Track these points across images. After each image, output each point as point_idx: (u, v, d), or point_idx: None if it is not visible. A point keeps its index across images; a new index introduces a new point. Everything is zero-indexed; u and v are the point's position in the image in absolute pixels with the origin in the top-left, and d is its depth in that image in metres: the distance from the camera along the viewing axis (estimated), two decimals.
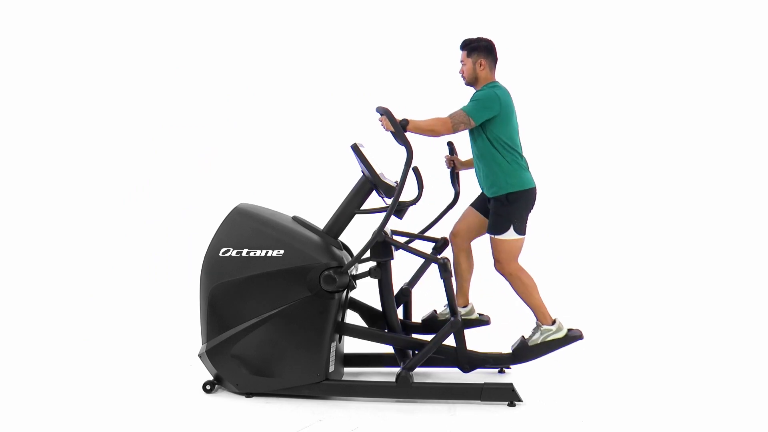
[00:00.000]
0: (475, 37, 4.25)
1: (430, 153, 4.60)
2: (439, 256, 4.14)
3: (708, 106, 8.18)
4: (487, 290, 5.04)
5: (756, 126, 8.12)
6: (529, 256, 4.31)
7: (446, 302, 4.17)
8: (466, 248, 4.42)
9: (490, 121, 4.06)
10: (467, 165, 4.47)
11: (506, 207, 4.10)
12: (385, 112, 3.90)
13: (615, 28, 8.19)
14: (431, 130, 3.99)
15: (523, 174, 4.12)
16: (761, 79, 8.10)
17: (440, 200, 4.54)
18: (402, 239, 4.33)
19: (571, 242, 7.73)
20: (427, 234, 4.52)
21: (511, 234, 4.11)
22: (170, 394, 4.05)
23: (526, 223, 4.17)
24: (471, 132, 4.16)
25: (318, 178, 7.71)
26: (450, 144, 4.55)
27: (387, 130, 3.95)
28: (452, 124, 3.99)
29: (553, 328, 4.13)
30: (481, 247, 4.40)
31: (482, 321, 4.53)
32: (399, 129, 3.89)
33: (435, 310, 4.55)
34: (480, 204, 4.36)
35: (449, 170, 4.58)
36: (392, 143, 3.98)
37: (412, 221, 4.41)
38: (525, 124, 4.30)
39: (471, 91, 4.25)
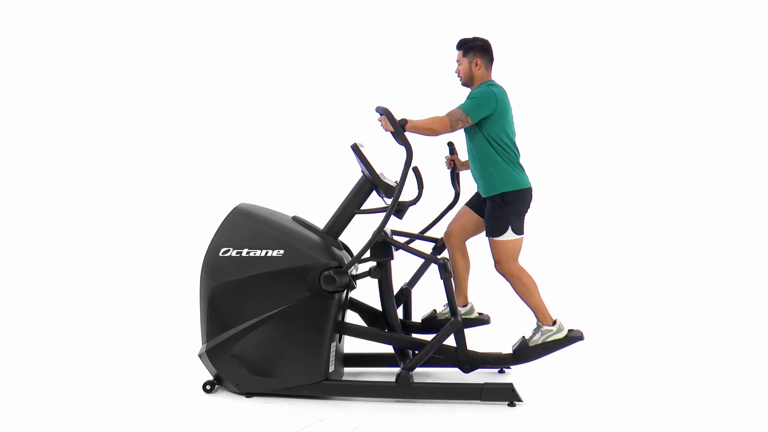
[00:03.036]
0: (471, 36, 4.25)
1: (430, 153, 4.60)
2: (439, 256, 4.13)
3: (706, 105, 8.18)
4: (486, 289, 5.04)
5: (754, 126, 8.12)
6: (528, 256, 4.31)
7: (446, 301, 4.16)
8: (462, 247, 4.41)
9: (486, 120, 4.06)
10: (467, 165, 4.45)
11: (502, 208, 4.09)
12: (384, 112, 3.90)
13: (611, 27, 8.20)
14: (429, 129, 3.98)
15: (518, 174, 4.11)
16: (760, 79, 8.10)
17: (440, 200, 4.54)
18: (402, 239, 4.32)
19: (570, 242, 7.73)
20: (427, 234, 4.52)
21: (509, 235, 4.10)
22: (170, 394, 4.05)
23: (524, 222, 4.17)
24: (467, 131, 4.16)
25: (318, 178, 7.71)
26: (450, 144, 4.55)
27: (386, 130, 3.94)
28: (450, 123, 3.99)
29: (554, 328, 4.13)
30: (478, 246, 4.40)
31: (482, 320, 4.52)
32: (399, 129, 3.89)
33: (435, 310, 4.55)
34: (475, 203, 4.35)
35: (449, 170, 4.58)
36: (392, 143, 3.98)
37: (412, 221, 4.41)
38: (521, 123, 4.30)
39: (468, 91, 4.24)
